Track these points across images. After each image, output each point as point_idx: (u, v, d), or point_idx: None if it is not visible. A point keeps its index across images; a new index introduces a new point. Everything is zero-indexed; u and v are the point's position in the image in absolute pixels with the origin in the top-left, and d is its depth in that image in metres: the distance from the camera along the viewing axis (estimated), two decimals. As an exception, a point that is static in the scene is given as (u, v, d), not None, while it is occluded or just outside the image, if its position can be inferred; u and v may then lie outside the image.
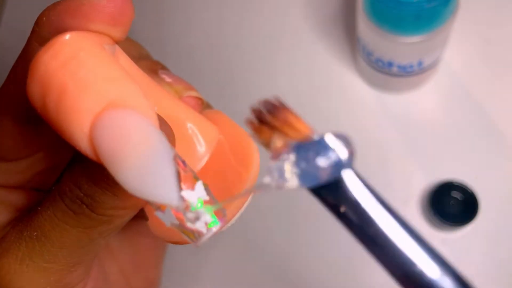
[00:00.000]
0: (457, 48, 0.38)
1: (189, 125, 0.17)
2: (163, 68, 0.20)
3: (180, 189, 0.12)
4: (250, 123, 0.15)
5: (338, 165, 0.14)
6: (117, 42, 0.15)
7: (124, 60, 0.16)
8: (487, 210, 0.33)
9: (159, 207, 0.13)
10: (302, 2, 0.42)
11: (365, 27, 0.31)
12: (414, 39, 0.30)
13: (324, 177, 0.14)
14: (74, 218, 0.15)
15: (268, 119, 0.15)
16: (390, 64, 0.33)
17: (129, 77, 0.13)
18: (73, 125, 0.12)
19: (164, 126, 0.14)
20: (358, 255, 0.34)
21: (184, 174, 0.13)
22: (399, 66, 0.33)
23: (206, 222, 0.13)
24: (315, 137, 0.14)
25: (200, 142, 0.17)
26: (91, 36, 0.13)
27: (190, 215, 0.13)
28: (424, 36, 0.30)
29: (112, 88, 0.12)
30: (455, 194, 0.33)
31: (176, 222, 0.13)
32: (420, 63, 0.33)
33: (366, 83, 0.38)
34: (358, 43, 0.35)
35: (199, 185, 0.13)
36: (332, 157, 0.14)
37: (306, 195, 0.38)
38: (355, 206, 0.15)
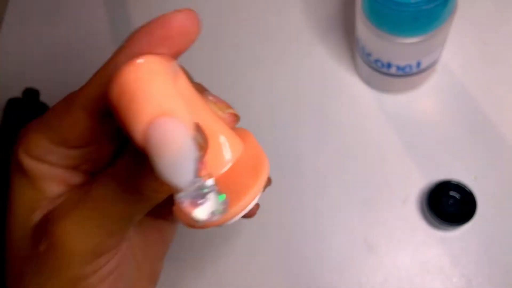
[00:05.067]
0: (455, 49, 0.38)
1: (221, 137, 0.21)
2: (206, 89, 0.25)
3: (196, 180, 0.16)
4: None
5: None
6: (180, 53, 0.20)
7: (183, 80, 0.20)
8: (485, 209, 0.33)
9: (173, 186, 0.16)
10: (301, 3, 0.42)
11: (364, 28, 0.32)
12: (413, 40, 0.30)
13: None
14: (122, 195, 0.19)
15: None
16: (389, 65, 0.33)
17: (179, 96, 0.17)
18: (135, 123, 0.16)
19: (200, 133, 0.18)
20: (358, 255, 0.34)
21: (202, 171, 0.16)
22: (397, 67, 0.33)
23: (212, 208, 0.17)
24: None
25: (227, 152, 0.21)
26: (161, 61, 0.18)
27: (200, 198, 0.17)
28: (422, 37, 0.30)
29: (166, 102, 0.16)
30: (453, 194, 0.33)
31: (183, 197, 0.17)
32: (418, 64, 0.33)
33: (365, 83, 0.38)
34: (357, 44, 0.35)
35: (211, 181, 0.17)
36: None
37: (309, 194, 0.38)
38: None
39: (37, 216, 0.21)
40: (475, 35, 0.38)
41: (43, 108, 0.40)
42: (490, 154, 0.35)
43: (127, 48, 0.19)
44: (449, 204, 0.33)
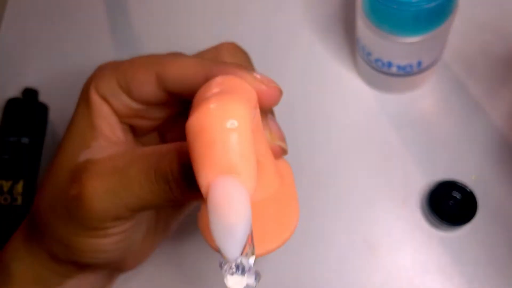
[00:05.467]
0: (456, 49, 0.38)
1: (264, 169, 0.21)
2: (272, 113, 0.25)
3: (240, 255, 0.17)
4: None
5: None
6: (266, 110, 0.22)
7: (257, 118, 0.20)
8: (486, 209, 0.33)
9: (222, 253, 0.17)
10: (302, 3, 0.42)
11: (365, 27, 0.32)
12: (413, 39, 0.30)
13: None
14: (157, 188, 0.20)
15: None
16: (389, 64, 0.33)
17: (254, 159, 0.17)
18: (204, 169, 0.17)
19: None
20: (358, 255, 0.34)
21: (248, 247, 0.17)
22: (398, 66, 0.33)
23: (246, 283, 0.17)
24: None
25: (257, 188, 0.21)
26: (250, 111, 0.18)
27: (239, 273, 0.17)
28: (423, 36, 0.30)
29: (241, 163, 0.17)
30: (454, 194, 0.33)
31: (227, 268, 0.17)
32: (419, 63, 0.33)
33: (366, 83, 0.38)
34: (357, 43, 0.35)
35: (252, 259, 0.18)
36: None
37: (308, 194, 0.38)
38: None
39: (83, 156, 0.23)
40: (476, 35, 0.38)
41: (42, 108, 0.40)
42: (490, 154, 0.35)
43: (221, 71, 0.21)
44: (449, 204, 0.33)
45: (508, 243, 0.33)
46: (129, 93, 0.23)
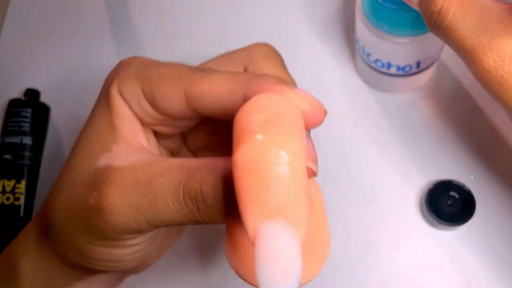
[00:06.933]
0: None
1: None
2: (308, 131, 0.24)
3: None
4: None
5: None
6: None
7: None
8: (484, 209, 0.33)
9: None
10: (302, 3, 0.42)
11: (364, 28, 0.32)
12: (412, 39, 0.31)
13: None
14: (184, 209, 0.19)
15: None
16: (388, 65, 0.34)
17: (308, 200, 0.16)
18: (252, 212, 0.15)
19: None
20: (358, 254, 0.34)
21: None
22: (397, 67, 0.33)
23: None
24: None
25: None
26: (304, 146, 0.16)
27: None
28: (422, 36, 0.30)
29: (294, 207, 0.15)
30: (453, 193, 0.33)
31: None
32: (418, 64, 0.33)
33: (365, 83, 0.38)
34: (357, 44, 0.35)
35: None
36: None
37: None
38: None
39: (103, 160, 0.21)
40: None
41: (44, 108, 0.41)
42: (489, 154, 0.35)
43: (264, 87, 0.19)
44: (448, 204, 0.33)
45: (506, 242, 0.33)
46: (153, 105, 0.22)
